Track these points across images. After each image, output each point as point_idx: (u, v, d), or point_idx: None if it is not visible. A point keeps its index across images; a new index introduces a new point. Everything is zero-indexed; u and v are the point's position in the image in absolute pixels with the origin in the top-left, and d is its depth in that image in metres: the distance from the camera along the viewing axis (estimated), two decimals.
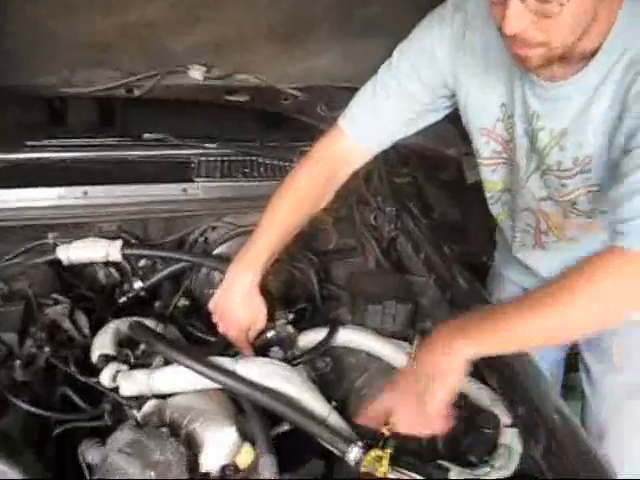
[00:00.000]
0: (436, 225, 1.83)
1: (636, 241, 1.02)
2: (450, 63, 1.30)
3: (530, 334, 1.07)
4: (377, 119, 1.38)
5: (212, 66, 1.65)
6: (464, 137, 1.59)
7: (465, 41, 1.27)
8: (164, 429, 1.05)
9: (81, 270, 1.63)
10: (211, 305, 1.46)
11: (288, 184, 1.45)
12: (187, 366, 1.14)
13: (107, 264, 1.64)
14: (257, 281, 1.41)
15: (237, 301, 1.40)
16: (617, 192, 1.08)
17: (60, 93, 1.62)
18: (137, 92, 1.65)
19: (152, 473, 0.96)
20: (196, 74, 1.63)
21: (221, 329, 1.43)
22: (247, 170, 1.86)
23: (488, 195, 1.53)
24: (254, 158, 1.92)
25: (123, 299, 1.59)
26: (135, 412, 1.14)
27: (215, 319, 1.45)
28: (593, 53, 1.11)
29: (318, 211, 1.50)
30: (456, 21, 1.27)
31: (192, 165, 1.84)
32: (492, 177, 1.46)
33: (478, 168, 1.48)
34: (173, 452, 0.99)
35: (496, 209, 1.55)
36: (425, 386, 1.09)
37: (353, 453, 1.07)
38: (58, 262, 1.57)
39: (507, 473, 1.10)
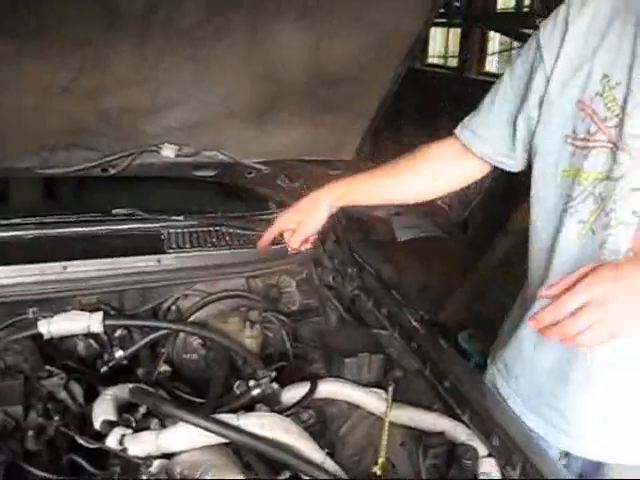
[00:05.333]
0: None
1: None
2: (550, 47, 1.28)
3: None
4: (488, 124, 1.43)
5: (183, 145, 1.75)
6: None
7: (569, 20, 1.26)
8: None
9: (59, 343, 1.67)
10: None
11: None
12: (196, 424, 1.21)
13: (87, 336, 1.69)
14: (323, 200, 1.57)
15: (300, 204, 1.60)
16: None
17: (37, 174, 1.68)
18: (112, 171, 1.73)
19: None
20: (168, 152, 1.74)
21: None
22: (214, 240, 1.97)
23: (575, 193, 1.27)
24: (218, 228, 2.03)
25: (105, 368, 1.65)
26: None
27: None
28: None
29: (418, 187, 1.61)
30: (561, 10, 1.28)
31: (162, 237, 1.93)
32: (586, 165, 1.24)
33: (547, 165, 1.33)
34: None
35: (581, 211, 1.27)
36: None
37: None
38: (39, 336, 1.61)
39: None
